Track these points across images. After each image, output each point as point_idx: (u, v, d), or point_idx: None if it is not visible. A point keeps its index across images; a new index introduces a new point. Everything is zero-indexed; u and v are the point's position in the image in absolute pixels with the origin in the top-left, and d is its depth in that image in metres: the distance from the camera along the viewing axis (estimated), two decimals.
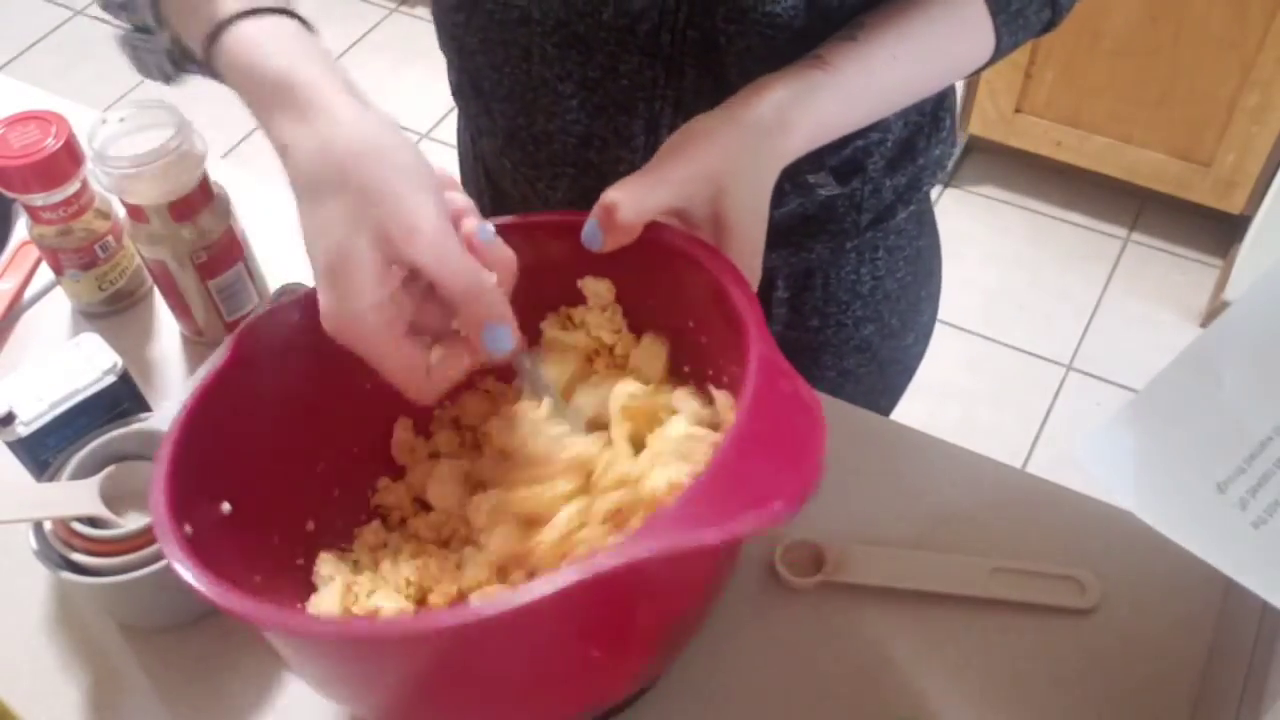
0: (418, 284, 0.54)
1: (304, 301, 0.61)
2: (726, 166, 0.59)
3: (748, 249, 0.60)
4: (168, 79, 0.65)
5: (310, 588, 0.61)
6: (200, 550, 0.51)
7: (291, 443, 0.62)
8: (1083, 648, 0.66)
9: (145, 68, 0.65)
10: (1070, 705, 0.64)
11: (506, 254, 0.56)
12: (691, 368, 0.64)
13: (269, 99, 0.55)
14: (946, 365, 1.98)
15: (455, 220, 0.55)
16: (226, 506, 0.57)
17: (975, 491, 0.73)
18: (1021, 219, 2.23)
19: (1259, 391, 0.56)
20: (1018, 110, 2.12)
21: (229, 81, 0.58)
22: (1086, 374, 2.00)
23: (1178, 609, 0.67)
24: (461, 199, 0.57)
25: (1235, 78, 1.89)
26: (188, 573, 0.49)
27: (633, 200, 0.58)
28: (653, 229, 0.60)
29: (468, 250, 0.54)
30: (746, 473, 0.47)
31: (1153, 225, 2.20)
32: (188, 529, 0.52)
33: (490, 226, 0.56)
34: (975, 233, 2.20)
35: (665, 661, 0.62)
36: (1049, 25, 0.71)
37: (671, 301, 0.62)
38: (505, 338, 0.54)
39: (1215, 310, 2.03)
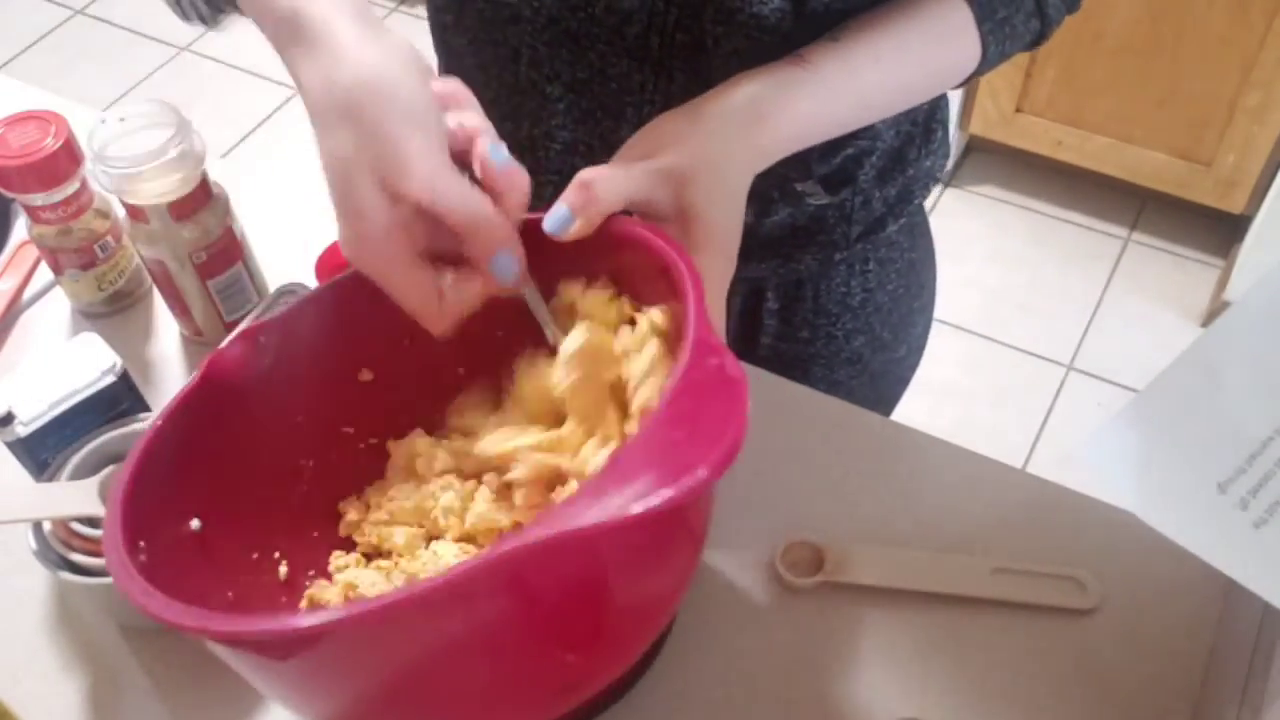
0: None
1: (282, 322, 0.61)
2: (691, 159, 0.58)
3: (716, 243, 0.58)
4: (204, 20, 0.66)
5: (291, 600, 0.61)
6: (159, 566, 0.51)
7: (270, 461, 0.62)
8: (1083, 648, 0.66)
9: (184, 10, 0.67)
10: (1070, 706, 0.64)
11: (519, 178, 0.56)
12: None
13: (283, 35, 0.56)
14: (946, 365, 1.98)
15: (467, 142, 0.56)
16: (196, 523, 0.57)
17: (975, 492, 0.73)
18: (1022, 219, 2.23)
19: (1260, 392, 0.56)
20: (1018, 110, 2.11)
21: (249, 15, 0.59)
22: (1087, 374, 2.00)
23: (1178, 610, 0.67)
24: (474, 119, 0.57)
25: (1236, 77, 1.89)
26: (127, 579, 0.49)
27: (606, 179, 0.57)
28: (608, 220, 0.58)
29: (483, 170, 0.55)
30: (668, 446, 0.46)
31: (1153, 225, 2.20)
32: (142, 545, 0.51)
33: (503, 149, 0.56)
34: (976, 233, 2.20)
35: (637, 647, 0.59)
36: (1039, 37, 0.70)
37: (633, 295, 0.60)
38: (509, 265, 0.55)
39: (1216, 310, 2.03)
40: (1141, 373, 1.95)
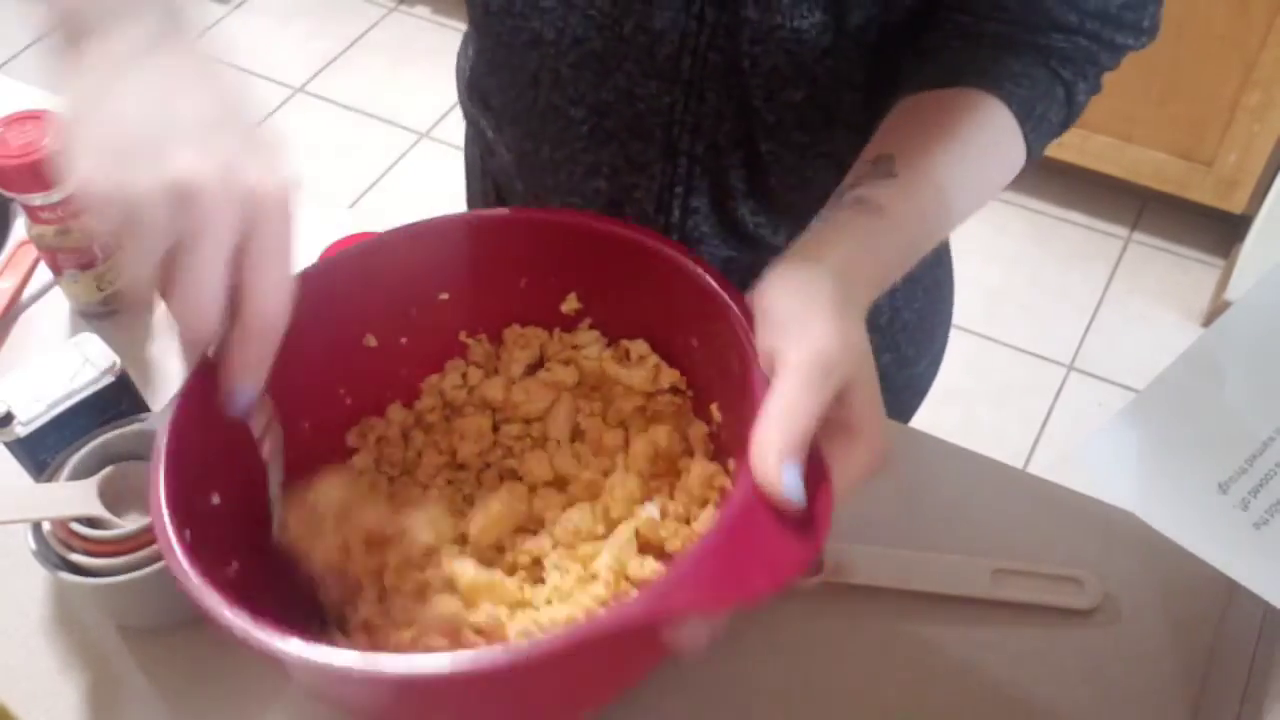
0: None
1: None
2: (851, 384, 0.52)
3: (879, 442, 0.54)
4: None
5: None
6: (197, 552, 0.51)
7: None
8: (1083, 649, 0.66)
9: None
10: (1071, 706, 0.64)
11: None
12: (690, 382, 0.64)
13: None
14: (947, 365, 1.97)
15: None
16: (216, 499, 0.57)
17: (976, 492, 0.73)
18: (1022, 218, 2.23)
19: (1260, 392, 0.56)
20: None
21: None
22: (1088, 374, 2.00)
23: (1179, 610, 0.67)
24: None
25: (1237, 76, 1.89)
26: (201, 595, 0.49)
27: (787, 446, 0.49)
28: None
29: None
30: (755, 535, 0.48)
31: (1154, 225, 2.20)
32: (187, 534, 0.52)
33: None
34: (976, 232, 2.19)
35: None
36: (1066, 123, 0.68)
37: (670, 312, 0.62)
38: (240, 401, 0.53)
39: (1217, 310, 2.03)
40: (1142, 373, 1.94)
